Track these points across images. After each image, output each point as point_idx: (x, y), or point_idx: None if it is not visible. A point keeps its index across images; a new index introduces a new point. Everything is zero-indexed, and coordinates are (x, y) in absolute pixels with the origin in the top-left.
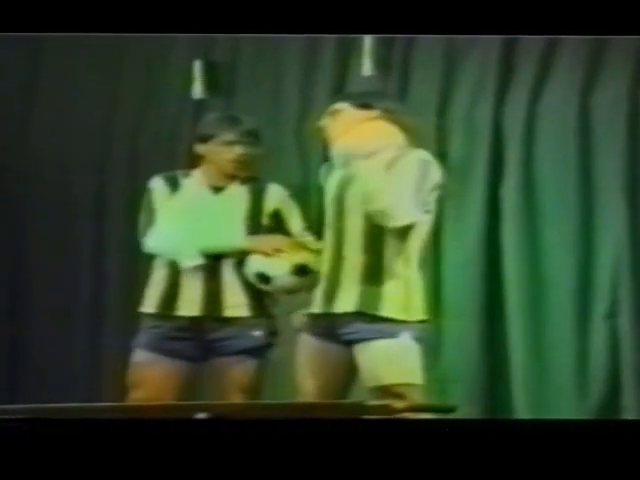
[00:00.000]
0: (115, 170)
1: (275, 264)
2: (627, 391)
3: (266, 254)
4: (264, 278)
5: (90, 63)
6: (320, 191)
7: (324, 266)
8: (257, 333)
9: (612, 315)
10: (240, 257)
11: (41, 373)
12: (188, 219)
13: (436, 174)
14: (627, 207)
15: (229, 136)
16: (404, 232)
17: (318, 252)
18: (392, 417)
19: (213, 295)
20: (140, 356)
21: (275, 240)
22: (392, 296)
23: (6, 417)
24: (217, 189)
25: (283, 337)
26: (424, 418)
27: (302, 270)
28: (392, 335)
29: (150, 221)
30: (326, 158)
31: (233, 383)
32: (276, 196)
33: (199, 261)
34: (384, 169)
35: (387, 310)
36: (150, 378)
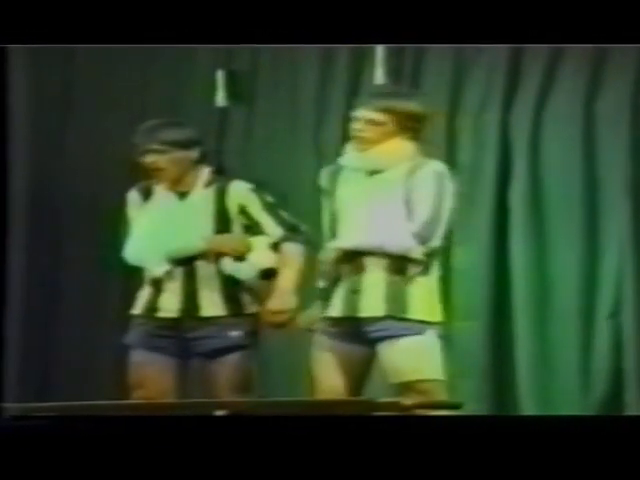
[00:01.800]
0: (138, 177)
1: (244, 267)
2: (630, 388)
3: (234, 255)
4: (269, 273)
5: (116, 72)
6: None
7: (342, 270)
8: (234, 333)
9: (616, 314)
10: (215, 257)
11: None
12: (155, 227)
13: (452, 184)
14: (631, 210)
15: (142, 146)
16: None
17: (274, 245)
18: (401, 414)
19: (190, 296)
20: (136, 356)
21: (232, 239)
22: (418, 298)
23: (36, 414)
24: (182, 194)
25: (266, 336)
26: (432, 415)
27: (269, 274)
28: (419, 333)
29: (126, 233)
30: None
31: (215, 381)
32: (238, 192)
33: (166, 267)
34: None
35: (414, 312)
36: (149, 376)
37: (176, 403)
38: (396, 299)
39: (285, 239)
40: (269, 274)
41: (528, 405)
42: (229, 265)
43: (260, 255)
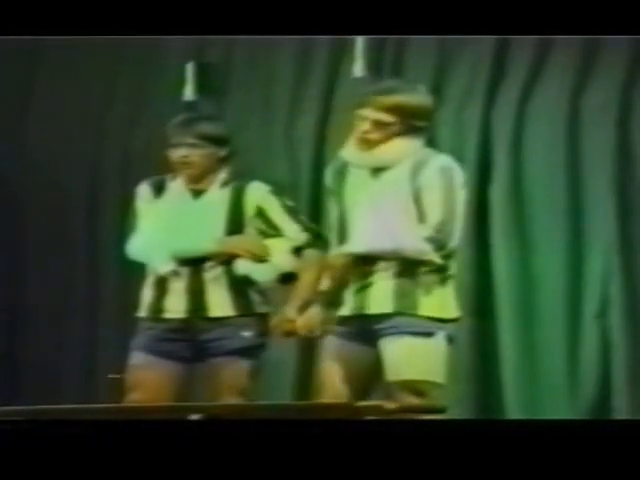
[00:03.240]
0: (107, 171)
1: (261, 269)
2: (617, 391)
3: (247, 258)
4: (289, 277)
5: (84, 65)
6: (315, 189)
7: (352, 272)
8: (247, 333)
9: (602, 314)
10: (224, 258)
11: (39, 374)
12: (166, 224)
13: (460, 176)
14: (616, 207)
15: (175, 139)
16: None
17: (296, 250)
18: (384, 418)
19: (197, 296)
20: (136, 358)
21: (246, 241)
22: (428, 295)
23: (5, 418)
24: (197, 193)
25: (275, 337)
26: (415, 419)
27: (289, 278)
28: (428, 331)
29: (132, 227)
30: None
31: (225, 384)
32: (256, 193)
33: (172, 266)
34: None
35: (424, 310)
36: (147, 380)
37: (154, 407)
38: (406, 296)
39: (308, 245)
40: (289, 278)
41: (513, 409)
42: (244, 266)
43: (282, 258)
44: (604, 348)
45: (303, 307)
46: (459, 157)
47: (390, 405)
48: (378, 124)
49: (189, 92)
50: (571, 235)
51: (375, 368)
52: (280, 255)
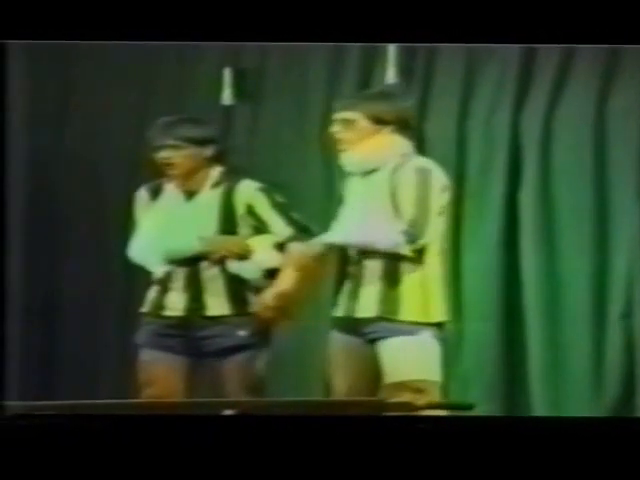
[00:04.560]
0: (144, 175)
1: (248, 267)
2: None
3: (234, 257)
4: (244, 281)
5: (122, 70)
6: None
7: (346, 270)
8: (242, 332)
9: (627, 315)
10: (216, 258)
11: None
12: (160, 226)
13: (439, 179)
14: None
15: (156, 141)
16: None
17: (279, 245)
18: (411, 414)
19: (195, 295)
20: (145, 354)
21: (228, 241)
22: (410, 300)
23: (39, 413)
24: (190, 194)
25: (275, 335)
26: (443, 415)
27: (273, 274)
28: (411, 334)
29: (132, 230)
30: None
31: (224, 380)
32: (245, 191)
33: (165, 268)
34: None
35: (405, 314)
36: (159, 374)
37: (184, 402)
38: (388, 300)
39: (293, 239)
40: (274, 274)
41: (539, 406)
42: (232, 265)
43: (264, 254)
44: (629, 348)
45: (281, 295)
46: (489, 160)
47: (418, 401)
48: (345, 123)
49: (227, 97)
50: (597, 238)
51: (374, 365)
52: (263, 251)
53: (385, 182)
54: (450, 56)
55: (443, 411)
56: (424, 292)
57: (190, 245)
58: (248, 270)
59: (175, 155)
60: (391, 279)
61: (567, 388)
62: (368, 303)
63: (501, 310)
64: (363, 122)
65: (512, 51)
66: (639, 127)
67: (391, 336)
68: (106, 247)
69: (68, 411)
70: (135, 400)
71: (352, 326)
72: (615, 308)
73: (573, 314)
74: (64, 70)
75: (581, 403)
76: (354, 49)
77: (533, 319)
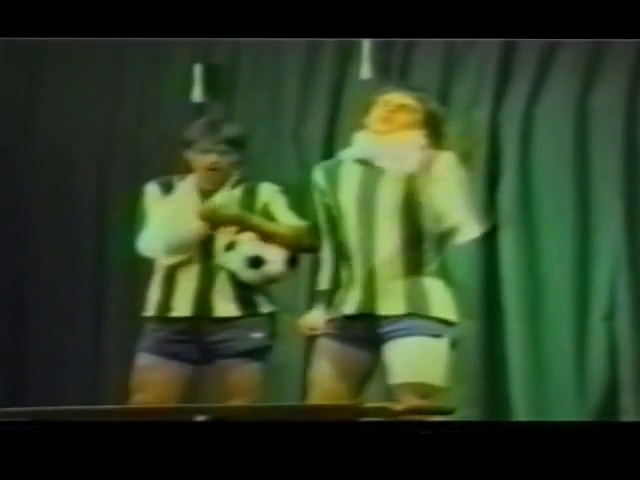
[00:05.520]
0: (115, 172)
1: (271, 250)
2: (625, 393)
3: (261, 239)
4: (256, 262)
5: (92, 66)
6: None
7: (357, 267)
8: (256, 335)
9: (610, 317)
10: (228, 247)
11: (42, 375)
12: (171, 220)
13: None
14: (624, 209)
15: (205, 144)
16: (446, 236)
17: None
18: (391, 419)
19: (203, 294)
20: (143, 359)
21: (227, 210)
22: (437, 296)
23: (8, 420)
24: (207, 193)
25: (282, 338)
26: (423, 420)
27: (255, 262)
28: (440, 333)
29: (141, 223)
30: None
31: (233, 386)
32: (267, 192)
33: (173, 260)
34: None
35: (436, 311)
36: (153, 381)
37: (159, 408)
38: (417, 297)
39: (300, 238)
40: (256, 262)
41: (521, 410)
42: (254, 246)
43: (249, 245)
44: (611, 350)
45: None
46: (466, 159)
47: (397, 407)
48: (403, 108)
49: (198, 93)
50: (579, 237)
51: (368, 372)
52: (247, 241)
53: (414, 180)
54: (427, 51)
55: (422, 416)
56: (446, 290)
57: (197, 230)
58: (233, 261)
59: (223, 160)
60: (417, 275)
61: (549, 391)
62: (393, 299)
63: (480, 312)
64: (421, 114)
65: (491, 45)
66: (622, 123)
67: (418, 334)
68: (77, 246)
69: (32, 417)
70: (104, 407)
71: (367, 325)
72: (597, 309)
73: (555, 316)
74: (32, 68)
75: (563, 407)
76: (328, 44)
77: (514, 320)
